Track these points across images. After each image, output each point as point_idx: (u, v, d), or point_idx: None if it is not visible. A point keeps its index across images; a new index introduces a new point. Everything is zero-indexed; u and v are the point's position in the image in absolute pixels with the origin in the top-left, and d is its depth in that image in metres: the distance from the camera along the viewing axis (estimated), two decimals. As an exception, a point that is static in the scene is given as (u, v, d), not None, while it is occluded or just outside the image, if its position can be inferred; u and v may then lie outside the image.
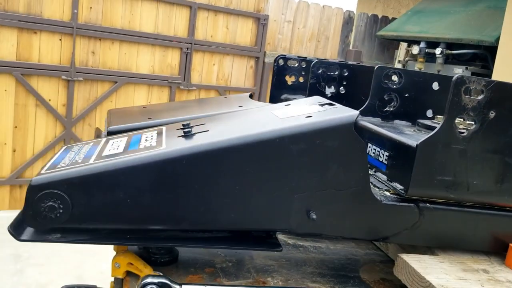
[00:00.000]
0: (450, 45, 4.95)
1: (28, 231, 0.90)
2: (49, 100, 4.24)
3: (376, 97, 1.34)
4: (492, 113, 0.97)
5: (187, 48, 4.77)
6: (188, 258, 1.11)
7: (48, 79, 4.20)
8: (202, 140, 0.96)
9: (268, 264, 1.14)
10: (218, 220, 0.95)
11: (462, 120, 0.97)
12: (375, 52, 6.37)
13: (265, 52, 5.28)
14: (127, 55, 4.52)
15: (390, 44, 6.50)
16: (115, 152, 0.97)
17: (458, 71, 4.70)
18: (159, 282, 0.90)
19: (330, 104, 1.09)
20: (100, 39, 4.36)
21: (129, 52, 4.52)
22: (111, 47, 4.43)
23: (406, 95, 1.34)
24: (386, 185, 1.09)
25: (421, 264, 1.01)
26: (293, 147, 0.94)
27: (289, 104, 1.19)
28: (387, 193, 1.06)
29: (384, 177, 1.11)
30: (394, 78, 1.33)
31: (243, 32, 5.12)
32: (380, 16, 6.40)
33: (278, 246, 1.00)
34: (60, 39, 4.18)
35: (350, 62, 1.68)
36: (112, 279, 1.12)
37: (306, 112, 1.04)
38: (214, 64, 5.02)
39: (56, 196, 0.86)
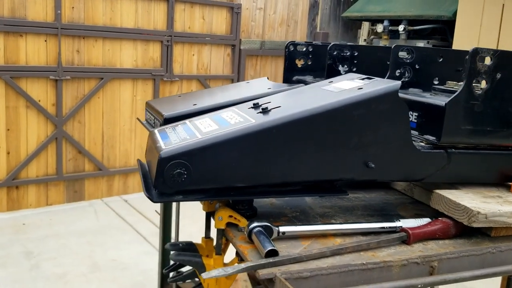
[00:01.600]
0: (411, 21, 5.33)
1: (156, 195, 1.13)
2: (39, 100, 4.32)
3: (394, 70, 1.61)
4: (498, 74, 1.27)
5: (168, 41, 4.92)
6: (265, 212, 1.36)
7: (36, 80, 4.27)
8: (281, 114, 1.20)
9: (326, 211, 1.41)
10: (297, 174, 1.20)
11: (477, 82, 1.26)
12: (340, 32, 6.71)
13: (240, 39, 5.50)
14: (111, 51, 4.64)
15: (353, 24, 6.85)
16: (213, 129, 1.20)
17: (420, 44, 5.09)
18: (263, 225, 1.15)
19: (369, 78, 1.36)
20: (84, 38, 4.46)
21: (112, 48, 4.64)
22: (94, 44, 4.53)
23: (417, 67, 1.63)
24: (418, 139, 1.37)
25: (453, 195, 1.30)
26: (354, 112, 1.20)
27: (331, 81, 1.45)
28: (422, 144, 1.34)
29: (415, 133, 1.39)
30: (408, 54, 1.61)
31: (218, 22, 5.31)
32: (342, -2, 6.73)
33: (343, 192, 1.27)
34: (45, 40, 4.26)
35: (358, 44, 1.95)
36: (202, 235, 1.35)
37: (355, 85, 1.31)
38: (193, 55, 5.20)
39: (181, 165, 1.09)
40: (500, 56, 1.26)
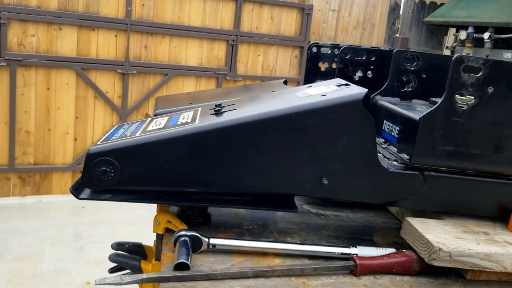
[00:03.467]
0: (498, 29, 4.84)
1: (86, 192, 1.10)
2: (106, 92, 4.56)
3: (395, 78, 1.44)
4: (490, 88, 1.07)
5: (233, 40, 4.95)
6: (219, 221, 1.27)
7: (105, 73, 4.51)
8: (229, 116, 1.11)
9: (290, 227, 1.29)
10: (242, 185, 1.11)
11: (462, 95, 1.07)
12: (423, 38, 6.29)
13: (309, 41, 5.37)
14: (177, 49, 4.76)
15: (438, 30, 6.39)
16: (157, 127, 1.15)
17: (507, 55, 4.60)
18: (191, 235, 1.07)
19: (347, 85, 1.21)
20: (151, 34, 4.63)
21: (179, 45, 4.76)
22: (162, 41, 4.69)
23: (423, 76, 1.44)
24: (395, 156, 1.21)
25: (424, 225, 1.12)
26: (307, 121, 1.08)
27: (310, 86, 1.32)
28: (395, 163, 1.17)
29: (395, 150, 1.22)
30: (412, 60, 1.43)
31: (287, 23, 5.24)
32: (428, 2, 6.31)
33: (294, 208, 1.15)
34: (115, 35, 4.48)
35: (376, 47, 1.78)
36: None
37: (323, 91, 1.18)
38: (259, 55, 5.18)
39: (108, 162, 1.05)
40: (493, 67, 1.06)
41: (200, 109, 1.31)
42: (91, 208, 4.48)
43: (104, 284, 0.92)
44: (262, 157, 1.09)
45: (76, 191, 1.09)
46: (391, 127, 1.27)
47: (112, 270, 1.27)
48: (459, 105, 1.08)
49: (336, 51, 2.02)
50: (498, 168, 1.13)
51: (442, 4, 6.24)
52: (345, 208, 1.48)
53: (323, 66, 2.11)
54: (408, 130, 1.16)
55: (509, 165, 1.12)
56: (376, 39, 5.92)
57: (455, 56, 1.05)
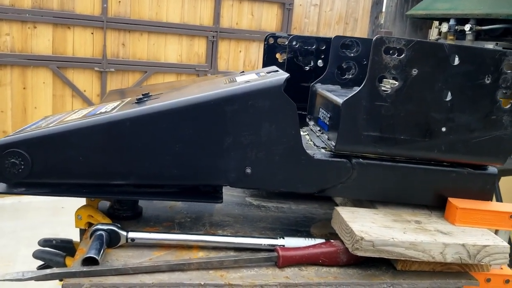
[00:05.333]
0: (480, 21, 4.79)
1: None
2: (84, 90, 4.51)
3: (334, 65, 1.40)
4: (414, 71, 1.03)
5: (213, 37, 4.91)
6: (151, 215, 1.23)
7: (82, 71, 4.47)
8: (147, 105, 1.07)
9: (225, 220, 1.25)
10: (164, 176, 1.07)
11: (384, 78, 1.03)
12: (407, 32, 6.25)
13: (291, 37, 5.32)
14: (156, 46, 4.72)
15: (423, 24, 6.35)
16: (74, 118, 1.11)
17: (488, 47, 4.55)
18: (108, 229, 1.02)
19: (276, 71, 1.17)
20: (129, 31, 4.59)
21: (157, 42, 4.72)
22: (140, 38, 4.64)
23: (365, 62, 1.40)
24: (325, 144, 1.17)
25: (352, 214, 1.08)
26: (227, 108, 1.04)
27: (243, 73, 1.28)
28: (323, 150, 1.13)
29: (326, 137, 1.18)
30: (352, 47, 1.39)
31: (268, 18, 5.19)
32: (412, -4, 6.27)
33: (218, 199, 1.11)
34: (92, 33, 4.44)
35: (326, 37, 1.74)
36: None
37: (249, 78, 1.14)
38: (240, 51, 5.14)
39: (17, 154, 1.01)
40: (417, 48, 1.02)
41: (128, 99, 1.27)
42: (71, 208, 4.42)
43: (4, 280, 0.88)
44: (182, 146, 1.05)
45: (-12, 184, 1.04)
46: (325, 114, 1.23)
47: (40, 268, 1.23)
48: (382, 88, 1.04)
49: (294, 42, 1.98)
50: (428, 154, 1.09)
51: (426, -3, 6.20)
52: (289, 199, 1.44)
53: (280, 58, 2.06)
54: (336, 116, 1.12)
55: (440, 151, 1.08)
56: (359, 33, 5.88)
57: (375, 37, 1.01)
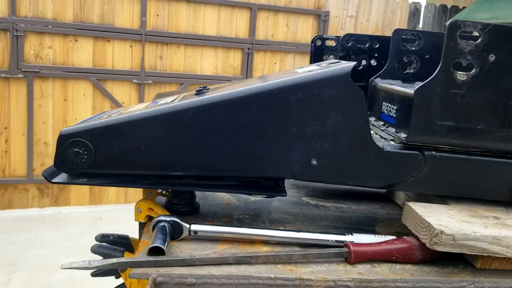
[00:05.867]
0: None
1: (60, 177, 1.04)
2: (123, 102, 4.57)
3: (395, 59, 1.35)
4: (492, 56, 0.97)
5: (248, 49, 4.92)
6: (209, 211, 1.20)
7: (121, 83, 4.53)
8: (209, 95, 1.05)
9: (284, 217, 1.20)
10: (225, 167, 1.03)
11: (460, 64, 0.98)
12: (445, 43, 6.12)
13: (326, 48, 5.29)
14: (192, 58, 4.76)
15: (461, 34, 6.16)
16: (135, 109, 1.09)
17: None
18: (170, 220, 0.99)
19: (339, 62, 1.13)
20: (166, 44, 4.64)
21: (194, 55, 4.76)
22: (177, 51, 4.69)
23: (426, 56, 1.35)
24: (393, 136, 1.11)
25: (426, 209, 1.02)
26: (291, 97, 1.00)
27: (302, 67, 1.25)
28: (392, 142, 1.08)
29: (394, 130, 1.13)
30: (412, 40, 1.34)
31: (303, 30, 5.18)
32: (449, 6, 6.17)
33: (282, 192, 1.06)
34: (131, 46, 4.51)
35: (379, 35, 1.70)
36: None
37: (312, 69, 1.10)
38: (275, 63, 5.13)
39: (81, 144, 0.99)
40: (494, 32, 0.96)
41: (186, 93, 1.25)
42: (108, 219, 4.46)
43: (70, 268, 0.86)
44: (244, 137, 1.01)
45: (50, 176, 1.03)
46: (389, 107, 1.18)
47: (96, 264, 1.21)
48: (457, 75, 0.98)
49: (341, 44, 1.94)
50: (506, 145, 1.02)
51: (464, 7, 6.09)
52: (347, 200, 1.39)
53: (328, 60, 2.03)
54: (405, 107, 1.06)
55: (519, 142, 1.02)
56: (395, 44, 5.79)
57: (449, 21, 0.96)
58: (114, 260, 0.88)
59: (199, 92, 1.10)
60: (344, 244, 0.99)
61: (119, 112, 1.11)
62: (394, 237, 1.03)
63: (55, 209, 4.57)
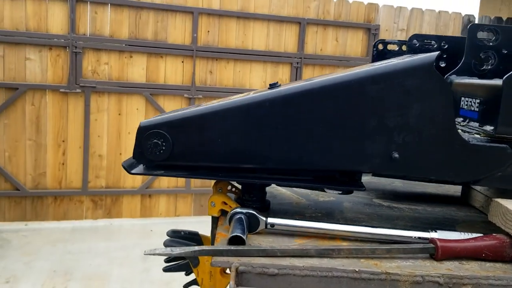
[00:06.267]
0: None
1: (138, 168, 1.05)
2: (174, 117, 4.65)
3: (471, 56, 1.30)
4: None
5: (297, 63, 4.92)
6: (279, 209, 1.18)
7: (172, 98, 4.63)
8: (284, 88, 1.04)
9: (358, 217, 1.17)
10: (301, 161, 1.01)
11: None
12: (500, 56, 5.92)
13: (376, 62, 5.23)
14: (241, 73, 4.81)
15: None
16: (210, 104, 1.09)
17: None
18: (247, 213, 0.98)
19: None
20: (216, 59, 4.72)
21: (243, 69, 4.81)
22: (226, 66, 4.76)
23: (505, 52, 1.29)
24: (477, 131, 1.06)
25: (516, 205, 0.96)
26: (371, 88, 0.98)
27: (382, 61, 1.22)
28: (478, 136, 1.03)
29: (476, 125, 1.08)
30: (490, 35, 1.29)
31: (353, 44, 5.14)
32: (505, 19, 5.98)
33: (360, 186, 1.03)
34: (182, 61, 4.61)
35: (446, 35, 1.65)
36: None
37: (390, 61, 1.07)
38: (324, 77, 5.10)
39: (159, 135, 1.00)
40: None
41: (261, 89, 1.24)
42: (159, 231, 4.50)
43: (153, 254, 0.85)
44: (322, 129, 0.99)
45: (129, 167, 1.04)
46: (470, 102, 1.13)
47: (167, 260, 1.21)
48: (553, 62, 0.93)
49: (404, 48, 1.90)
50: None
51: (519, 19, 5.89)
52: (420, 202, 1.33)
53: (390, 65, 1.99)
54: (491, 99, 1.01)
55: None
56: (447, 58, 5.65)
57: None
58: (196, 247, 0.87)
59: (272, 86, 1.09)
60: (430, 240, 0.94)
61: (197, 106, 1.11)
62: (480, 234, 0.97)
63: (107, 221, 4.67)
